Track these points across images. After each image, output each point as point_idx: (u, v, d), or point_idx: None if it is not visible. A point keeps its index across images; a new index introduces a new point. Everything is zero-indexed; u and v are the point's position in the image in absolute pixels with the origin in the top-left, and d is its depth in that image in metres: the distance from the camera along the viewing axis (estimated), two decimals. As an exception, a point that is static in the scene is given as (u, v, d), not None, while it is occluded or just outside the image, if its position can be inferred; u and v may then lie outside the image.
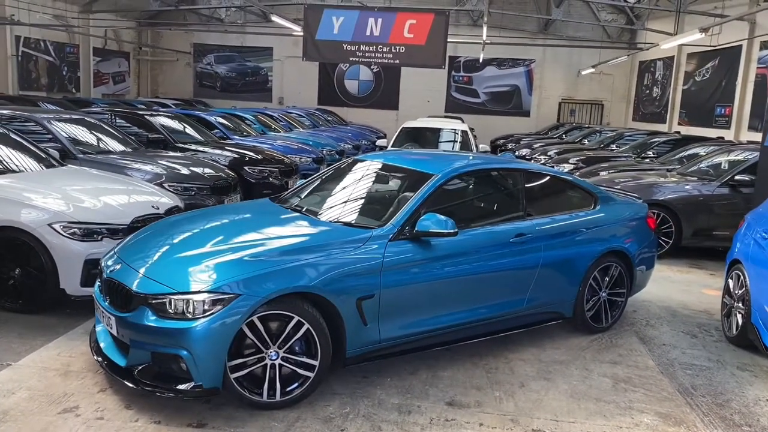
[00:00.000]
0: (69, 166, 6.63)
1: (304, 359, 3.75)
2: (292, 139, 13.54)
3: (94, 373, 4.06)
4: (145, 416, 3.59)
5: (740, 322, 5.02)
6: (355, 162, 5.32)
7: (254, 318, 3.58)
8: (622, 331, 5.38)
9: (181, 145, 9.84)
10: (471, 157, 5.29)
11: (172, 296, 3.51)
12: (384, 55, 9.58)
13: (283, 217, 4.61)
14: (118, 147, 8.26)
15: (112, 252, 4.23)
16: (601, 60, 21.32)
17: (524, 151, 16.58)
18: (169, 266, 3.79)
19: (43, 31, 19.59)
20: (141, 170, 7.49)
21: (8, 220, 4.92)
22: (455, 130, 11.77)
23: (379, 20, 9.21)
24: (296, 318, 3.67)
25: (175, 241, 4.13)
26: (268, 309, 3.61)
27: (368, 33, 9.43)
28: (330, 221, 4.39)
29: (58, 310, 5.04)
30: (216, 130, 12.02)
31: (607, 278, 5.23)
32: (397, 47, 9.41)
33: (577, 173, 10.88)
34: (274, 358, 3.67)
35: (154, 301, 3.55)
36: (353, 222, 4.33)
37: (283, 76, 25.76)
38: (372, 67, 24.85)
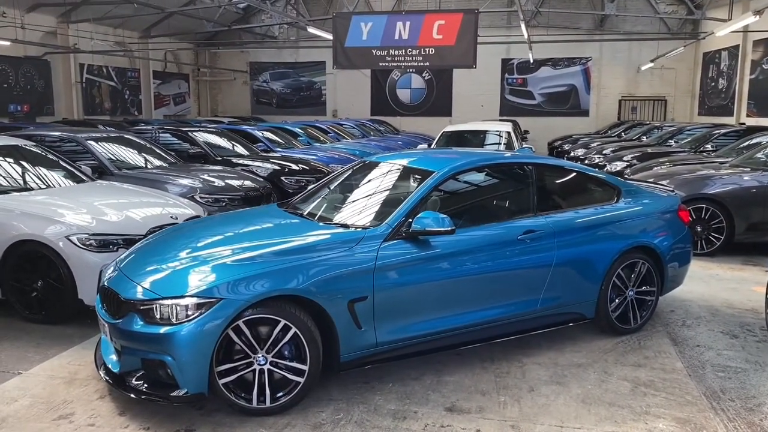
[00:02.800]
0: (99, 181, 6.83)
1: (294, 364, 3.66)
2: (338, 150, 13.58)
3: (98, 381, 4.11)
4: (136, 422, 3.59)
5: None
6: (361, 163, 5.22)
7: (240, 322, 3.53)
8: (653, 332, 5.03)
9: (221, 158, 10.05)
10: (481, 154, 5.09)
11: (158, 302, 3.51)
12: (414, 58, 9.46)
13: (281, 222, 4.56)
14: (156, 162, 8.49)
15: (114, 261, 4.29)
16: (659, 54, 20.43)
17: (579, 152, 16.06)
18: (158, 273, 3.79)
19: (106, 57, 20.53)
20: (175, 183, 7.65)
21: (31, 234, 5.09)
22: (497, 131, 11.51)
23: (408, 23, 9.11)
24: (283, 321, 3.59)
25: (170, 247, 4.13)
26: (255, 313, 3.55)
27: (397, 37, 9.34)
28: (327, 224, 4.29)
29: (78, 320, 5.15)
30: (260, 144, 12.21)
31: (633, 276, 4.90)
32: (427, 49, 9.27)
33: (629, 170, 10.41)
34: (262, 363, 3.60)
35: (142, 307, 3.55)
36: (350, 224, 4.22)
37: (336, 89, 26.01)
38: (424, 74, 24.77)
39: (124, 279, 3.83)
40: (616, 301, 4.84)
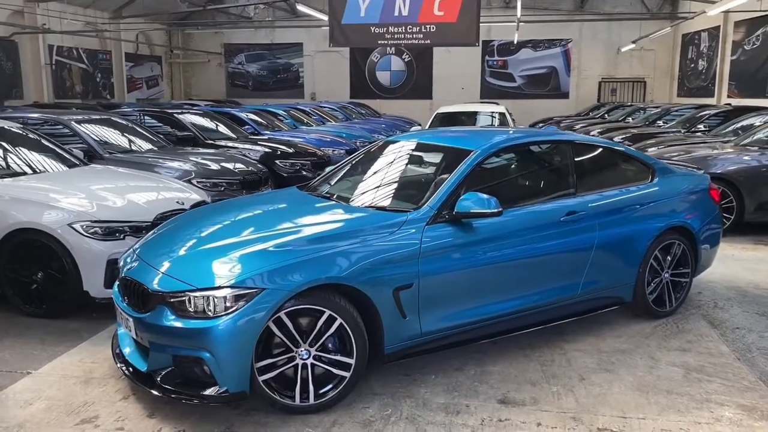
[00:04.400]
0: (92, 165, 6.43)
1: (339, 358, 3.41)
2: (325, 132, 13.24)
3: (117, 379, 3.80)
4: (169, 425, 3.30)
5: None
6: (386, 144, 4.94)
7: (281, 314, 3.25)
8: (687, 315, 4.88)
9: (211, 141, 9.66)
10: (512, 132, 4.86)
11: (191, 293, 3.21)
12: (414, 36, 9.15)
13: (311, 204, 4.27)
14: (145, 146, 8.08)
15: (131, 249, 3.96)
16: (642, 34, 20.43)
17: (565, 133, 15.93)
18: (188, 261, 3.50)
19: (76, 39, 19.72)
20: (169, 167, 7.29)
21: (28, 222, 4.72)
22: (492, 112, 11.32)
23: (407, -1, 8.78)
24: (327, 312, 3.33)
25: (196, 234, 3.83)
26: (297, 303, 3.28)
27: (396, 13, 9.01)
28: (362, 206, 4.03)
29: (82, 314, 4.81)
30: (247, 127, 11.81)
31: (669, 257, 4.74)
32: (428, 26, 8.96)
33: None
34: (305, 357, 3.34)
35: (172, 300, 3.25)
36: (387, 206, 3.96)
37: (314, 71, 25.51)
38: (404, 56, 24.42)
39: (148, 269, 3.52)
40: (653, 284, 4.68)
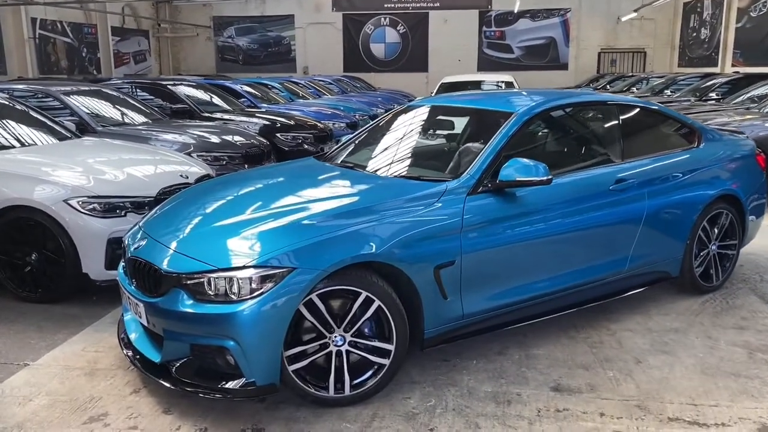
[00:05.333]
0: (86, 138, 5.99)
1: (377, 343, 3.05)
2: (322, 105, 12.77)
3: (125, 370, 3.42)
4: (188, 422, 2.93)
5: None
6: (409, 108, 4.53)
7: (313, 296, 2.88)
8: (734, 289, 4.56)
9: (207, 115, 9.20)
10: (550, 93, 4.46)
11: (210, 274, 2.82)
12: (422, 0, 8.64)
13: (334, 174, 3.87)
14: (139, 119, 7.61)
15: (137, 226, 3.56)
16: (643, 3, 19.96)
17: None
18: (204, 238, 3.10)
19: (60, 11, 19.01)
20: (167, 140, 6.84)
21: (20, 198, 4.30)
22: (499, 82, 10.91)
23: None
24: (364, 294, 2.96)
25: (210, 208, 3.44)
26: (330, 284, 2.90)
27: (404, -25, 8.53)
28: (392, 176, 3.64)
29: (82, 298, 4.42)
30: (243, 99, 11.34)
31: (716, 228, 4.40)
32: (437, -11, 8.48)
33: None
34: (339, 343, 2.97)
35: (189, 282, 2.86)
36: (421, 176, 3.57)
37: (306, 44, 24.84)
38: (398, 27, 23.79)
39: (159, 247, 3.12)
40: (700, 256, 4.34)
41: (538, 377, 3.32)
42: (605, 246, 3.82)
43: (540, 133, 4.10)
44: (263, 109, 10.81)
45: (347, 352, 3.00)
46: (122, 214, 4.35)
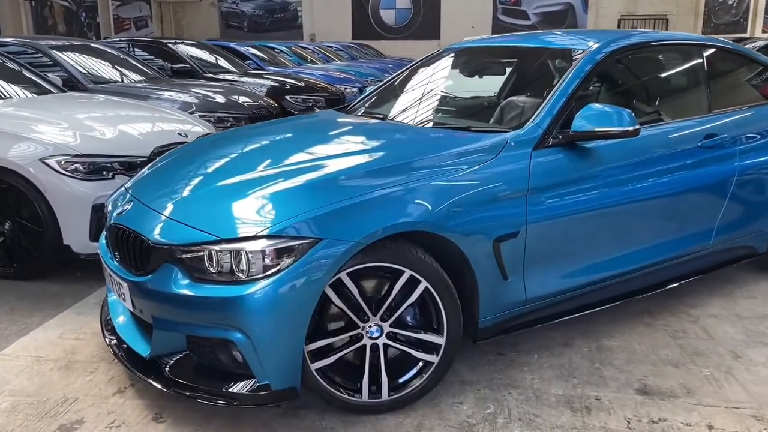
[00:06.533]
0: (74, 93, 5.32)
1: (422, 336, 2.41)
2: (333, 70, 12.04)
3: (108, 363, 2.80)
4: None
5: None
6: (447, 51, 3.83)
7: (343, 275, 2.24)
8: (825, 268, 3.90)
9: (210, 75, 8.52)
10: (613, 32, 3.75)
11: (212, 246, 2.17)
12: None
13: (362, 125, 3.21)
14: (137, 78, 6.92)
15: (122, 188, 2.90)
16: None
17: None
18: (205, 201, 2.46)
19: (56, -28, 18.19)
20: (167, 99, 6.16)
21: (-11, 158, 3.66)
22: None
23: None
24: (408, 272, 2.31)
25: (212, 167, 2.78)
26: (364, 260, 2.26)
27: None
28: (434, 127, 2.97)
29: (64, 274, 3.81)
30: (249, 62, 10.62)
31: (808, 197, 3.72)
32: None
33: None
34: (375, 335, 2.34)
35: (185, 256, 2.21)
36: (469, 127, 2.90)
37: (313, 10, 23.90)
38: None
39: (149, 213, 2.48)
40: (789, 229, 3.67)
41: (618, 376, 2.68)
42: (692, 215, 3.15)
43: (614, 78, 3.40)
44: (272, 71, 10.11)
45: (385, 346, 2.36)
46: (110, 176, 3.72)
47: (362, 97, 3.83)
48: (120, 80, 6.62)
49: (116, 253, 2.55)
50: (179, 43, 9.36)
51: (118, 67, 6.93)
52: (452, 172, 2.49)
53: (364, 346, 2.34)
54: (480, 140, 2.67)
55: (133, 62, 7.35)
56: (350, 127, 3.20)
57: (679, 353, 2.87)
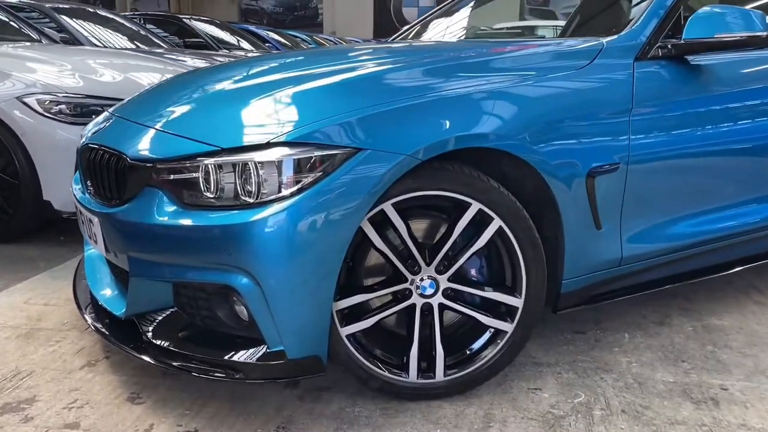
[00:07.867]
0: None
1: (492, 294, 1.78)
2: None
3: (80, 332, 2.20)
4: (168, 419, 1.70)
5: None
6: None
7: (387, 205, 1.62)
8: None
9: (226, 51, 7.99)
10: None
11: (208, 159, 1.56)
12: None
13: (412, 44, 2.60)
14: (145, 47, 6.39)
15: (106, 114, 2.30)
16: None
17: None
18: (204, 110, 1.85)
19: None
20: (180, 65, 5.61)
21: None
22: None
23: None
24: (476, 205, 1.69)
25: (217, 84, 2.16)
26: (416, 186, 1.64)
27: None
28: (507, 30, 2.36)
29: (43, 236, 3.24)
30: (269, 44, 10.11)
31: None
32: None
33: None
34: (428, 292, 1.71)
35: (173, 176, 1.60)
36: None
37: (334, 7, 23.45)
38: (433, -10, 22.28)
39: (132, 127, 1.88)
40: None
41: (740, 360, 2.03)
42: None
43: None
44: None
45: (441, 306, 1.73)
46: (100, 121, 3.13)
47: (405, 29, 3.23)
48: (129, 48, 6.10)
49: (88, 183, 1.95)
50: (194, 20, 8.87)
51: (128, 37, 6.42)
52: (535, 78, 1.86)
53: (413, 305, 1.71)
54: (573, 44, 2.06)
55: (143, 32, 6.85)
56: (395, 44, 2.59)
57: (814, 336, 2.21)
